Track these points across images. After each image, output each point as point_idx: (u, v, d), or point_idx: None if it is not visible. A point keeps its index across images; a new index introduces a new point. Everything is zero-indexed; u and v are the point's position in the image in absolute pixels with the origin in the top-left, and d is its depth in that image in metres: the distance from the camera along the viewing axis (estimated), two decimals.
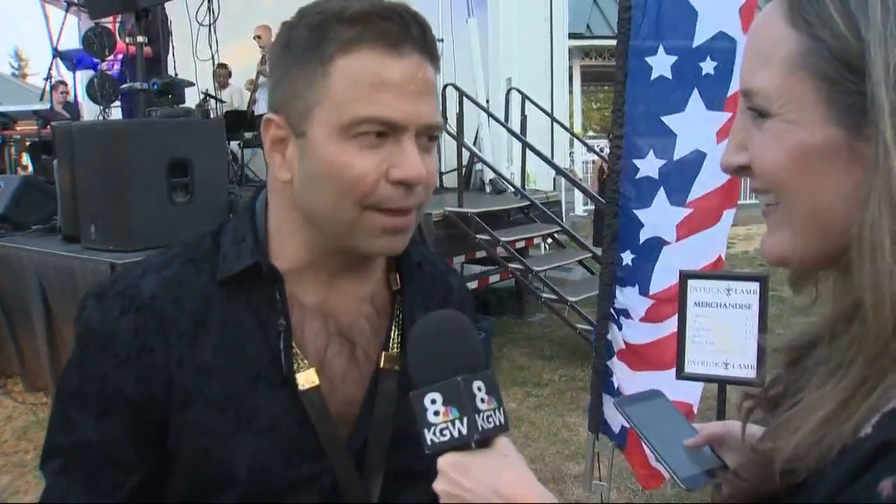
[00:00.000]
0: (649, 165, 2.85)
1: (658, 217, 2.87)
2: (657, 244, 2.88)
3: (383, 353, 1.08)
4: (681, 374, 2.98)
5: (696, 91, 2.74)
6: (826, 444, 0.66)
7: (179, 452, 1.00)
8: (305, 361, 1.02)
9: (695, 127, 2.77)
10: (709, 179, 2.79)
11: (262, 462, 1.00)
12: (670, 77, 2.77)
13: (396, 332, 1.10)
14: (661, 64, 2.77)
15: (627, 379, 2.98)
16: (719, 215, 2.86)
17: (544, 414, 5.39)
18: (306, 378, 1.02)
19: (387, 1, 0.95)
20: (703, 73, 2.73)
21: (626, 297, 2.96)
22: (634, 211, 2.90)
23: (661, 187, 2.83)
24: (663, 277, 2.87)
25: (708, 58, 2.72)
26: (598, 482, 3.19)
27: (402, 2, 0.96)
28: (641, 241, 2.91)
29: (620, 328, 3.00)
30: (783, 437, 0.70)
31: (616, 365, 3.03)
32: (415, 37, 0.94)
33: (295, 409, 1.01)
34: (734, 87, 2.70)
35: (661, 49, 2.77)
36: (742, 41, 2.65)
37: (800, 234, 0.73)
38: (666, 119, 2.80)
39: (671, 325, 2.80)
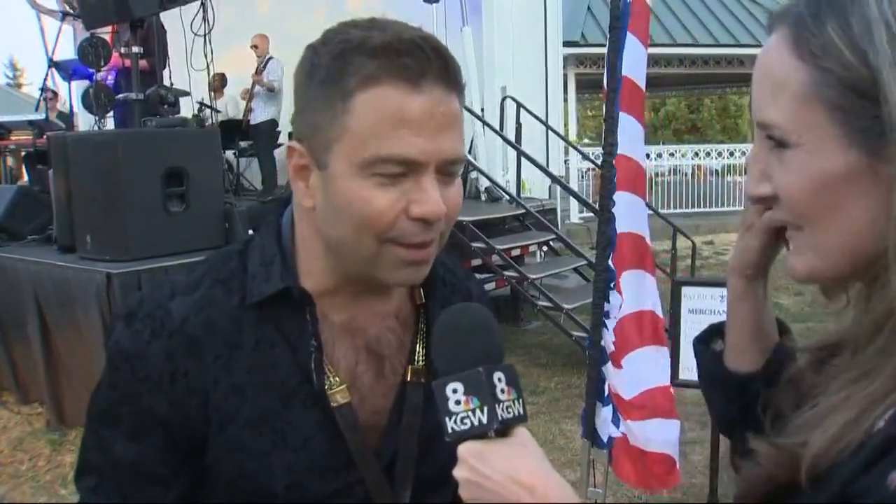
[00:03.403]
0: None
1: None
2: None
3: (409, 366, 1.10)
4: (675, 381, 3.00)
5: None
6: (844, 443, 0.68)
7: (218, 469, 1.03)
8: (337, 379, 1.04)
9: None
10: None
11: (297, 478, 1.03)
12: None
13: (421, 346, 1.11)
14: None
15: (615, 377, 3.01)
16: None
17: (540, 421, 5.38)
18: (338, 395, 1.04)
19: (410, 32, 0.94)
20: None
21: (612, 298, 3.01)
22: (612, 210, 2.97)
23: None
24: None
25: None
26: (593, 489, 3.20)
27: (426, 33, 0.95)
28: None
29: (608, 330, 3.03)
30: (806, 435, 0.72)
31: (607, 370, 3.04)
32: (436, 71, 0.93)
33: (327, 426, 1.04)
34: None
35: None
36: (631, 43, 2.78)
37: (829, 257, 0.75)
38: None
39: (623, 312, 2.94)
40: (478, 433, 0.84)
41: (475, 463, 0.83)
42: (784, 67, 0.74)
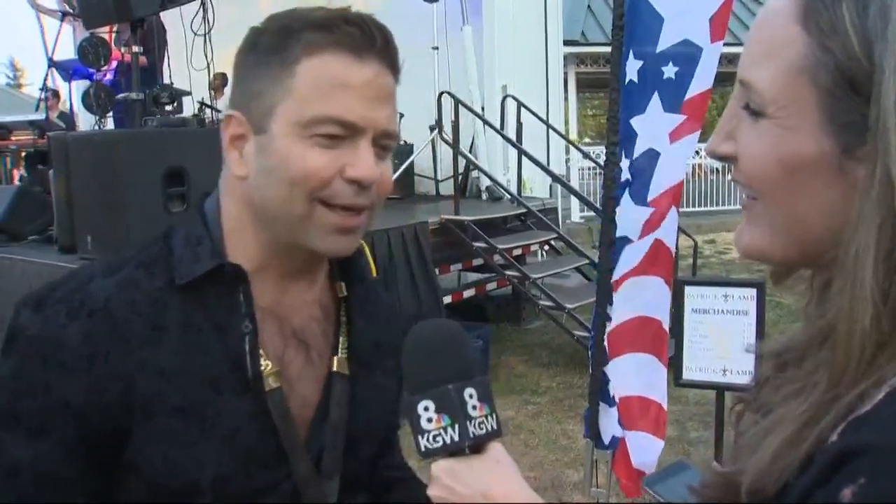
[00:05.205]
0: (625, 167, 2.92)
1: (625, 216, 2.93)
2: (623, 242, 2.94)
3: (335, 357, 1.11)
4: (679, 381, 2.98)
5: (656, 94, 2.82)
6: (784, 463, 0.66)
7: (140, 464, 0.97)
8: (268, 363, 1.03)
9: (652, 128, 2.85)
10: (663, 179, 2.87)
11: (225, 470, 0.99)
12: (637, 81, 2.84)
13: (344, 338, 1.13)
14: (631, 68, 2.84)
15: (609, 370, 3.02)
16: (667, 213, 2.93)
17: (543, 421, 5.38)
18: (270, 379, 1.03)
19: (354, 11, 1.00)
20: (665, 76, 2.81)
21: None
22: (615, 210, 2.94)
23: (628, 187, 2.91)
24: (620, 269, 2.95)
25: (670, 62, 2.79)
26: (596, 489, 3.19)
27: (369, 13, 1.00)
28: (616, 239, 2.95)
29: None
30: (747, 460, 0.71)
31: (609, 370, 3.03)
32: (377, 45, 0.98)
33: (258, 414, 1.02)
34: (691, 91, 2.78)
35: (631, 54, 2.84)
36: (708, 49, 2.70)
37: (777, 234, 0.73)
38: (632, 121, 2.87)
39: (616, 319, 2.94)
40: (450, 451, 0.84)
41: (448, 481, 0.83)
42: (785, 31, 0.69)
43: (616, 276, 2.94)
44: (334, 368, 1.10)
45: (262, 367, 1.02)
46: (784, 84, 0.69)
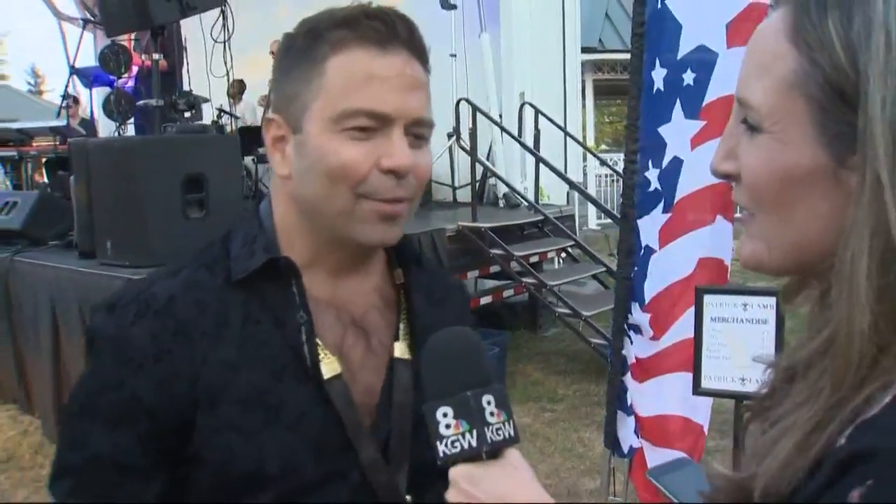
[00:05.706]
0: (654, 177, 2.90)
1: (648, 226, 2.91)
2: (648, 254, 2.92)
3: (395, 343, 1.12)
4: (697, 390, 2.97)
5: (678, 101, 2.81)
6: (794, 468, 0.67)
7: (205, 455, 1.01)
8: (327, 352, 1.05)
9: (677, 135, 2.84)
10: (686, 184, 2.85)
11: (292, 457, 1.02)
12: (663, 89, 2.83)
13: (404, 324, 1.14)
14: (658, 77, 2.83)
15: (636, 393, 2.98)
16: (702, 220, 2.87)
17: (559, 429, 5.36)
18: (329, 368, 1.05)
19: (376, 6, 1.03)
20: (684, 83, 2.80)
21: (635, 312, 2.97)
22: (637, 221, 2.91)
23: (662, 199, 2.88)
24: (651, 287, 2.91)
25: (689, 69, 2.78)
26: (613, 498, 3.17)
27: (392, 6, 1.02)
28: (640, 252, 2.93)
29: (632, 343, 3.00)
30: (757, 465, 0.72)
31: (628, 380, 3.01)
32: (402, 36, 1.01)
33: (321, 402, 1.04)
34: (710, 96, 2.76)
35: (657, 62, 2.82)
36: (725, 55, 2.69)
37: (774, 247, 0.75)
38: (660, 129, 2.86)
39: (670, 338, 2.87)
40: (468, 456, 0.85)
41: (466, 486, 0.85)
42: (776, 49, 0.71)
43: (656, 289, 2.89)
44: (396, 354, 1.12)
45: (321, 357, 1.04)
46: (777, 99, 0.71)
